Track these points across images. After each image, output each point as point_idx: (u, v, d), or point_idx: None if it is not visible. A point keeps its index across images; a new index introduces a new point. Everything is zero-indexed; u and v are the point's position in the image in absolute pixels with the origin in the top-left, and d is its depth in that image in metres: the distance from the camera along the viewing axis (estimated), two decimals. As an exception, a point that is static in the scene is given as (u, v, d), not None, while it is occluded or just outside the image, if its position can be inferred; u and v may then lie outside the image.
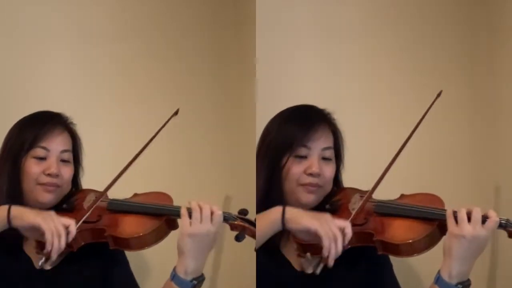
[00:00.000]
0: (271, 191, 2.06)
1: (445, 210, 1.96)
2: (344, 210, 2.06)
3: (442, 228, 1.96)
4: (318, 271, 1.91)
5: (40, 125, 2.10)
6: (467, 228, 1.89)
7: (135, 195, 2.16)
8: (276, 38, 2.50)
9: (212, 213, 1.97)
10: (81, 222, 2.01)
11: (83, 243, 2.03)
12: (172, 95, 2.57)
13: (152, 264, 2.47)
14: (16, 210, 2.00)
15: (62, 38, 2.52)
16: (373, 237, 1.97)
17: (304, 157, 2.07)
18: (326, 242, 1.90)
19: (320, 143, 2.08)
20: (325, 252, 1.90)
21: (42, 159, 2.09)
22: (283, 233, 2.04)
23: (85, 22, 2.54)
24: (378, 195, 2.06)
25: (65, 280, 2.07)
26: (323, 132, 2.09)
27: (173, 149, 2.56)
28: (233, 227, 2.02)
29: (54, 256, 1.94)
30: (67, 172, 2.13)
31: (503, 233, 1.94)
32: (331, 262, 1.90)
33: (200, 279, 1.99)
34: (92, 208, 2.04)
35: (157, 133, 2.17)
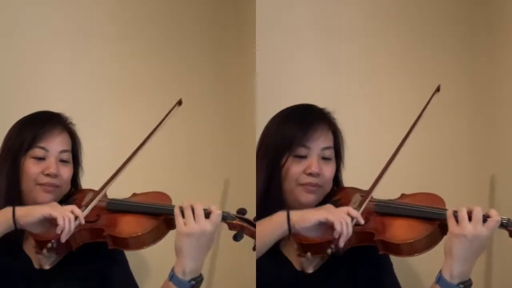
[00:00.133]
0: (270, 191, 2.05)
1: (446, 210, 1.96)
2: None
3: (443, 228, 1.96)
4: (329, 251, 1.90)
5: (40, 125, 2.11)
6: (468, 228, 1.88)
7: (134, 195, 2.16)
8: (276, 38, 2.50)
9: (210, 212, 1.96)
10: (89, 207, 2.03)
11: (82, 243, 2.03)
12: (172, 95, 2.55)
13: (151, 264, 2.47)
14: (21, 209, 2.00)
15: (62, 38, 2.52)
16: (373, 236, 1.97)
17: (304, 157, 2.06)
18: (338, 226, 1.91)
19: (319, 143, 2.08)
20: (336, 234, 1.90)
21: (41, 159, 2.09)
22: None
23: (85, 22, 2.55)
24: (378, 195, 2.06)
25: (64, 279, 2.06)
26: (322, 131, 2.09)
27: (173, 149, 2.56)
28: (231, 227, 2.02)
29: (63, 239, 1.96)
30: (66, 172, 2.13)
31: (499, 233, 1.94)
32: (341, 243, 1.90)
33: (199, 279, 1.98)
34: (93, 205, 2.05)
35: (161, 122, 2.19)
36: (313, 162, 2.06)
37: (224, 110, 2.62)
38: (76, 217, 1.98)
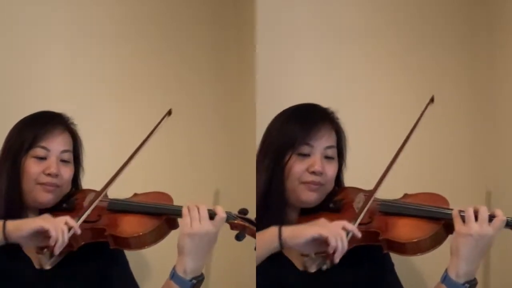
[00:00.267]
0: (272, 189, 2.05)
1: (451, 209, 1.97)
2: (349, 209, 2.07)
3: (447, 228, 1.97)
4: (324, 267, 1.91)
5: (41, 124, 2.10)
6: (475, 227, 1.90)
7: (135, 195, 2.17)
8: (276, 38, 2.50)
9: (215, 214, 1.98)
10: (82, 217, 2.00)
11: (83, 243, 2.03)
12: (172, 95, 2.57)
13: (152, 263, 2.46)
14: (12, 223, 1.98)
15: (62, 38, 2.52)
16: (378, 236, 1.97)
17: (307, 155, 2.07)
18: (332, 241, 1.89)
19: (323, 142, 2.08)
20: (330, 250, 1.89)
21: (42, 159, 2.09)
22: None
23: (85, 22, 2.54)
24: (379, 195, 2.06)
25: (64, 279, 2.06)
26: (326, 130, 2.09)
27: (173, 149, 2.55)
28: (233, 227, 2.03)
29: (57, 251, 1.94)
30: (66, 172, 2.13)
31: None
32: (337, 259, 1.89)
33: (200, 278, 1.99)
34: (93, 206, 2.04)
35: (150, 134, 2.18)
36: (316, 161, 2.06)
37: (224, 110, 2.61)
38: (70, 228, 1.96)
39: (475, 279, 1.92)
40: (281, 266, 2.06)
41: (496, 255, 2.39)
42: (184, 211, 1.99)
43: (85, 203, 2.10)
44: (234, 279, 2.52)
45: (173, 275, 1.97)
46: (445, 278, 1.92)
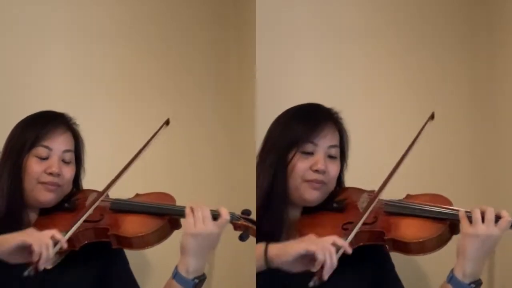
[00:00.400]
0: (275, 188, 2.06)
1: (457, 210, 1.98)
2: (352, 209, 2.07)
3: (452, 228, 1.98)
4: (311, 284, 1.82)
5: (43, 124, 2.10)
6: (482, 228, 1.91)
7: (137, 195, 2.16)
8: (276, 38, 2.50)
9: (219, 214, 1.98)
10: (70, 232, 1.97)
11: (86, 242, 2.03)
12: (172, 95, 2.58)
13: (154, 263, 2.46)
14: None
15: (62, 38, 2.52)
16: (383, 235, 1.98)
17: (311, 154, 2.07)
18: (320, 256, 1.84)
19: (326, 141, 2.08)
20: (317, 265, 1.84)
21: (44, 158, 2.08)
22: (284, 233, 2.05)
23: (85, 22, 2.54)
24: (382, 195, 2.06)
25: (64, 278, 2.06)
26: (329, 130, 2.10)
27: (174, 150, 2.55)
28: (236, 227, 2.04)
29: (41, 267, 1.89)
30: (68, 172, 2.12)
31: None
32: (325, 276, 1.84)
33: (202, 278, 2.00)
34: (93, 207, 2.04)
35: (146, 143, 2.17)
36: (319, 159, 2.07)
37: (224, 111, 2.61)
38: (56, 243, 1.91)
39: (480, 279, 1.93)
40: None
41: (500, 255, 2.40)
42: (187, 211, 1.99)
43: (87, 203, 2.09)
44: (236, 279, 2.52)
45: (176, 275, 1.98)
46: (451, 278, 1.93)
